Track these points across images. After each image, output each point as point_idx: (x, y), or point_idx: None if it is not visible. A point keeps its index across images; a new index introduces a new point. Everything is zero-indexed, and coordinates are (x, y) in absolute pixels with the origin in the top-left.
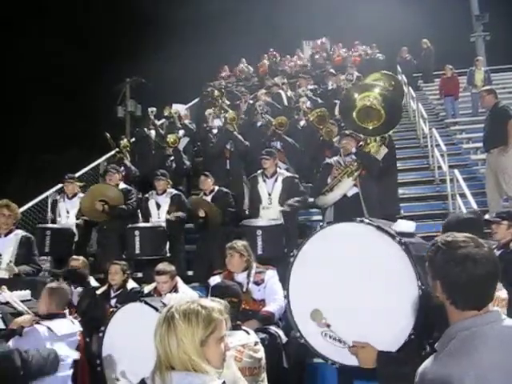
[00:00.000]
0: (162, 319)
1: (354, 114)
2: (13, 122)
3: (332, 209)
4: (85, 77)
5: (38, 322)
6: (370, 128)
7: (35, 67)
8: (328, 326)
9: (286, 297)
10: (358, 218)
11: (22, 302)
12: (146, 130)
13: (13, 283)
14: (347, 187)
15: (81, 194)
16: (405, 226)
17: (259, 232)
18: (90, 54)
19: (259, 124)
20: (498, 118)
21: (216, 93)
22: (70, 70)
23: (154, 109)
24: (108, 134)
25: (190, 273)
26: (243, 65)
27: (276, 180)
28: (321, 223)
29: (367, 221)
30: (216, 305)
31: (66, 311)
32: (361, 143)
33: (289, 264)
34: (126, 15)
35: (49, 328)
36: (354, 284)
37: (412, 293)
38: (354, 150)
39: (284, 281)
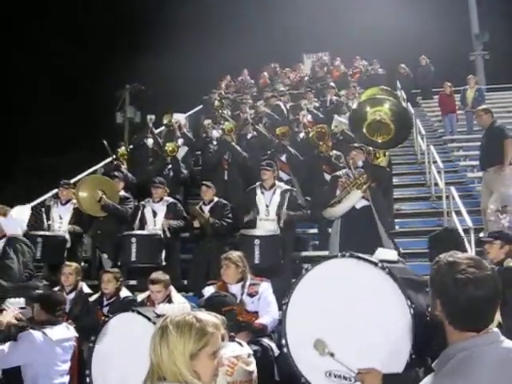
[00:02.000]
0: (157, 329)
1: (365, 127)
2: (12, 123)
3: (339, 221)
4: (84, 79)
5: (33, 328)
6: (379, 141)
7: (35, 67)
8: (332, 355)
9: (285, 345)
10: (339, 253)
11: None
12: (143, 138)
13: (5, 288)
14: (356, 199)
15: (74, 200)
16: (385, 254)
17: (257, 241)
18: (90, 54)
19: (249, 136)
20: (494, 137)
21: (216, 103)
22: (69, 71)
23: (153, 116)
24: (106, 142)
25: (186, 282)
26: (244, 77)
27: (274, 192)
28: (306, 266)
29: (348, 254)
30: (212, 319)
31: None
32: (367, 156)
33: (282, 311)
34: (126, 17)
35: (44, 333)
36: (348, 314)
37: (404, 314)
38: (360, 163)
39: (279, 291)
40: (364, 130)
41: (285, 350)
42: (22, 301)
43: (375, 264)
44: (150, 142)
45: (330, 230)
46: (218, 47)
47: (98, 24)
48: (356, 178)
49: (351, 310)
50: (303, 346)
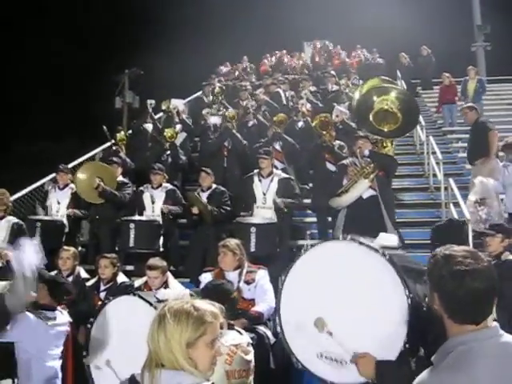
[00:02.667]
0: (156, 316)
1: (371, 115)
2: (12, 122)
3: (345, 211)
4: (84, 68)
5: (28, 310)
6: (386, 130)
7: (35, 68)
8: (330, 333)
9: (279, 324)
10: (341, 236)
11: None
12: (142, 123)
13: (3, 271)
14: (363, 189)
15: (72, 185)
16: (386, 239)
17: (253, 229)
18: (90, 50)
19: (251, 124)
20: (479, 131)
21: (217, 89)
22: (71, 70)
23: (153, 101)
24: (105, 127)
25: (181, 268)
26: (246, 63)
27: (272, 180)
28: (304, 246)
29: (349, 237)
30: (210, 307)
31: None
32: (374, 146)
33: (278, 287)
34: (126, 11)
35: (39, 317)
36: (346, 297)
37: (402, 302)
38: (366, 152)
39: (275, 280)
40: (371, 119)
41: (278, 328)
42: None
43: (376, 250)
44: (149, 127)
45: (329, 218)
46: (217, 37)
47: (98, 24)
48: (363, 167)
49: (348, 294)
50: (297, 325)
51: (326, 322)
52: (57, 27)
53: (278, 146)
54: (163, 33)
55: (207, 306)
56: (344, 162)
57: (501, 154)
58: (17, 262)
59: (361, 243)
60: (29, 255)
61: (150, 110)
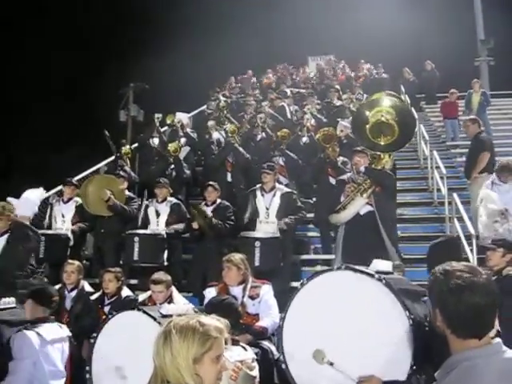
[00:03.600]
0: (161, 332)
1: (368, 129)
2: (12, 122)
3: (343, 227)
4: (86, 78)
5: (26, 328)
6: (382, 144)
7: (35, 68)
8: (331, 364)
9: (283, 361)
10: (335, 266)
11: (6, 309)
12: (149, 137)
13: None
14: (360, 205)
15: (76, 198)
16: (381, 265)
17: (257, 243)
18: (92, 54)
19: (259, 138)
20: (476, 148)
21: (222, 103)
22: (71, 70)
23: (160, 115)
24: (107, 133)
25: (184, 282)
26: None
27: (274, 195)
28: (302, 280)
29: (344, 266)
30: (216, 323)
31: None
32: (371, 160)
33: (279, 327)
34: (127, 17)
35: (38, 333)
36: (347, 325)
37: (403, 324)
38: (362, 168)
39: (279, 295)
40: (367, 133)
41: (283, 365)
42: (11, 300)
43: (372, 276)
44: (155, 141)
45: (331, 233)
46: (220, 48)
47: (98, 24)
48: (360, 183)
49: (350, 322)
50: (301, 360)
51: (326, 352)
52: (57, 28)
53: (281, 161)
54: (166, 46)
55: (213, 322)
56: (342, 177)
57: None
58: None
59: (356, 270)
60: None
61: (157, 124)
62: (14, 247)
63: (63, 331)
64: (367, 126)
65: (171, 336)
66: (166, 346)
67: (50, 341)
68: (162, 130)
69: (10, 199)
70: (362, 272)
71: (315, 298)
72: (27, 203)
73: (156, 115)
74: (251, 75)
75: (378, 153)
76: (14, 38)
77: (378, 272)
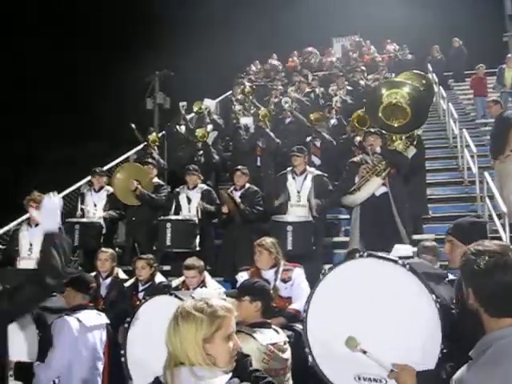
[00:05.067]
0: (173, 316)
1: (380, 110)
2: (38, 120)
3: (359, 208)
4: (111, 69)
5: (66, 314)
6: (395, 126)
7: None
8: (364, 352)
9: (310, 353)
10: (358, 254)
11: None
12: (176, 124)
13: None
14: (375, 187)
15: (108, 187)
16: (403, 250)
17: (289, 228)
18: (116, 52)
19: (288, 121)
20: (501, 126)
21: (247, 88)
22: (95, 63)
23: (185, 103)
24: (134, 125)
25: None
26: (274, 61)
27: (305, 178)
28: (323, 270)
29: (366, 254)
30: (223, 303)
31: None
32: (386, 142)
33: (303, 320)
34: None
35: (78, 319)
36: (374, 313)
37: (431, 308)
38: (378, 149)
39: (311, 277)
40: (380, 114)
41: (310, 358)
42: None
43: (395, 262)
44: (182, 128)
45: None
46: (243, 34)
47: (120, 19)
48: (375, 164)
49: (376, 310)
50: (329, 352)
51: (358, 340)
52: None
53: (317, 144)
54: (190, 33)
55: (220, 302)
56: (355, 159)
57: None
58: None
59: (379, 257)
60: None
61: (183, 112)
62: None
63: (102, 318)
64: (380, 107)
65: (178, 320)
66: (176, 330)
67: (90, 327)
68: (189, 117)
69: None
70: (384, 258)
71: (339, 287)
72: (50, 215)
73: (181, 103)
74: (275, 59)
75: (390, 134)
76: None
77: (400, 257)
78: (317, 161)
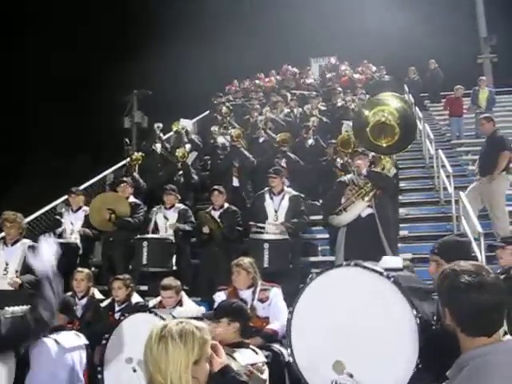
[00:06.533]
0: (157, 337)
1: (368, 130)
2: (19, 129)
3: (345, 229)
4: (89, 85)
5: (44, 336)
6: (384, 146)
7: (39, 75)
8: (351, 375)
9: (291, 355)
10: (345, 262)
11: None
12: (152, 144)
13: (16, 296)
14: (361, 208)
15: (85, 207)
16: (391, 262)
17: (266, 245)
18: (95, 59)
19: (261, 140)
20: (493, 146)
21: (224, 109)
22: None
23: (161, 124)
24: (128, 140)
25: (192, 286)
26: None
27: (283, 198)
28: (310, 275)
29: (353, 263)
30: (204, 325)
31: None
32: (371, 162)
33: (287, 320)
34: (128, 21)
35: (56, 341)
36: (354, 325)
37: (410, 323)
38: (364, 171)
39: (288, 297)
40: (368, 134)
41: (290, 359)
42: (18, 309)
43: (380, 273)
44: (158, 147)
45: None
46: (222, 53)
47: (98, 32)
48: (361, 186)
49: (357, 321)
50: (309, 358)
51: (336, 352)
52: (57, 40)
53: (283, 163)
54: (168, 53)
55: (203, 324)
56: (342, 178)
57: None
58: (38, 265)
59: (364, 267)
60: (47, 256)
61: (158, 132)
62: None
63: (81, 339)
64: (368, 127)
65: (170, 341)
66: (165, 351)
67: (69, 348)
68: (166, 136)
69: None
70: (370, 269)
71: (323, 293)
72: (45, 258)
73: (156, 125)
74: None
75: (379, 155)
76: (14, 44)
77: (387, 269)
78: (286, 181)
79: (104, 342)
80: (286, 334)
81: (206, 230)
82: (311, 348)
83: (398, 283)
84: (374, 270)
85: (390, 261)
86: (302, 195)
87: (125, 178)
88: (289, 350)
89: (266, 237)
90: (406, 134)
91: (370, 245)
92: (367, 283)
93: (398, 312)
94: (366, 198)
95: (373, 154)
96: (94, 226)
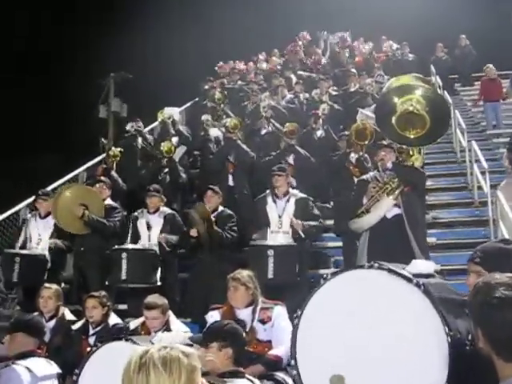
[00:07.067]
0: (137, 365)
1: (394, 120)
2: None
3: (367, 233)
4: (60, 70)
5: (14, 363)
6: (412, 137)
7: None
8: None
9: (295, 367)
10: (367, 263)
11: None
12: (133, 140)
13: None
14: (387, 208)
15: None
16: (422, 266)
17: (270, 252)
18: (66, 34)
19: (264, 131)
20: None
21: (217, 95)
22: (42, 62)
23: (136, 124)
24: (104, 140)
25: (182, 306)
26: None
27: (288, 201)
28: (324, 274)
29: (377, 265)
30: (194, 351)
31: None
32: (398, 156)
33: (293, 327)
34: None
35: (27, 368)
36: (373, 338)
37: (440, 340)
38: (389, 164)
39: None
40: (393, 124)
41: (294, 372)
42: None
43: (409, 279)
44: (139, 141)
45: (357, 242)
46: (215, 29)
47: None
48: (386, 182)
49: (375, 334)
50: (318, 374)
51: (349, 372)
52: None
53: (291, 160)
54: (151, 29)
55: (192, 350)
56: (364, 177)
57: None
58: None
59: (390, 270)
60: None
61: (133, 131)
62: None
63: (53, 367)
64: (394, 116)
65: (151, 370)
66: (146, 382)
67: (41, 377)
68: (149, 127)
69: None
70: (397, 274)
71: (338, 298)
72: None
73: (130, 124)
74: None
75: (405, 147)
76: None
77: (416, 275)
78: (293, 181)
79: (75, 377)
80: (291, 342)
81: (193, 232)
82: (318, 361)
83: (429, 292)
84: (400, 275)
85: (420, 265)
86: (311, 198)
87: (103, 178)
88: (292, 362)
89: (270, 242)
90: (436, 124)
91: (399, 250)
92: (391, 290)
93: (426, 327)
94: (392, 196)
95: (400, 147)
96: (60, 225)
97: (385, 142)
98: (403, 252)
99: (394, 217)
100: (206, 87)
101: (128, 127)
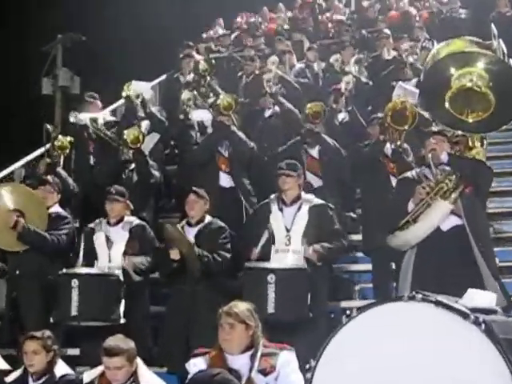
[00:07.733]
0: None
1: (448, 99)
2: None
3: (414, 252)
4: None
5: None
6: (470, 121)
7: None
8: None
9: None
10: (406, 295)
11: None
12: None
13: None
14: (441, 216)
15: None
16: (481, 298)
17: (271, 278)
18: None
19: (269, 113)
20: None
21: (202, 65)
22: None
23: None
24: (50, 127)
25: (155, 351)
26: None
27: (299, 209)
28: (348, 311)
29: (420, 296)
30: None
31: None
32: (454, 145)
33: (306, 382)
34: None
35: None
36: None
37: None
38: (444, 157)
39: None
40: (447, 105)
41: None
42: None
43: (465, 315)
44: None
45: (393, 265)
46: None
47: None
48: (440, 181)
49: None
50: None
51: None
52: None
53: (314, 153)
54: None
55: None
56: (408, 174)
57: None
58: None
59: (438, 303)
60: None
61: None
62: None
63: None
64: (448, 94)
65: None
66: None
67: None
68: (110, 108)
69: None
70: (448, 307)
71: (368, 341)
72: None
73: (46, 127)
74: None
75: (463, 135)
76: None
77: (473, 310)
78: (315, 181)
79: None
80: None
81: (174, 254)
82: None
83: (492, 332)
84: (453, 309)
85: (478, 297)
86: (331, 205)
87: (48, 177)
88: None
89: (272, 265)
90: (503, 104)
91: (460, 274)
92: (441, 328)
93: (487, 374)
94: (449, 200)
95: (457, 134)
96: None
97: (434, 129)
98: (466, 276)
99: (452, 228)
100: (185, 54)
101: (71, 119)
